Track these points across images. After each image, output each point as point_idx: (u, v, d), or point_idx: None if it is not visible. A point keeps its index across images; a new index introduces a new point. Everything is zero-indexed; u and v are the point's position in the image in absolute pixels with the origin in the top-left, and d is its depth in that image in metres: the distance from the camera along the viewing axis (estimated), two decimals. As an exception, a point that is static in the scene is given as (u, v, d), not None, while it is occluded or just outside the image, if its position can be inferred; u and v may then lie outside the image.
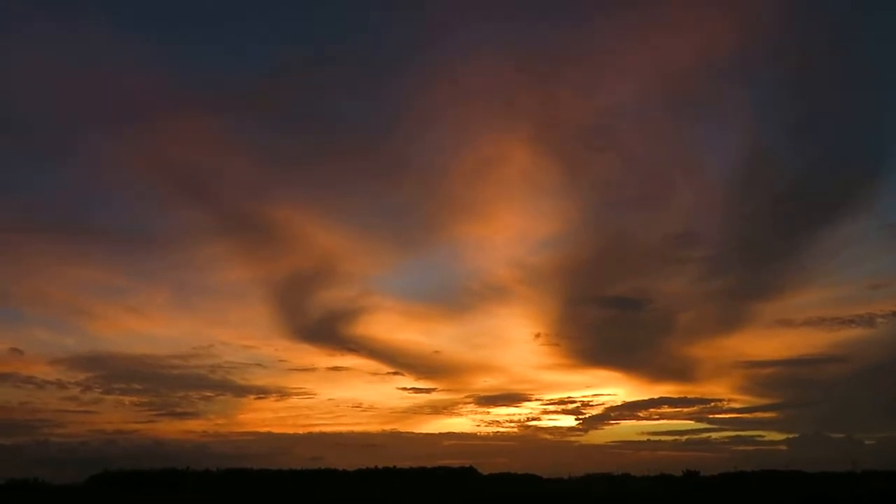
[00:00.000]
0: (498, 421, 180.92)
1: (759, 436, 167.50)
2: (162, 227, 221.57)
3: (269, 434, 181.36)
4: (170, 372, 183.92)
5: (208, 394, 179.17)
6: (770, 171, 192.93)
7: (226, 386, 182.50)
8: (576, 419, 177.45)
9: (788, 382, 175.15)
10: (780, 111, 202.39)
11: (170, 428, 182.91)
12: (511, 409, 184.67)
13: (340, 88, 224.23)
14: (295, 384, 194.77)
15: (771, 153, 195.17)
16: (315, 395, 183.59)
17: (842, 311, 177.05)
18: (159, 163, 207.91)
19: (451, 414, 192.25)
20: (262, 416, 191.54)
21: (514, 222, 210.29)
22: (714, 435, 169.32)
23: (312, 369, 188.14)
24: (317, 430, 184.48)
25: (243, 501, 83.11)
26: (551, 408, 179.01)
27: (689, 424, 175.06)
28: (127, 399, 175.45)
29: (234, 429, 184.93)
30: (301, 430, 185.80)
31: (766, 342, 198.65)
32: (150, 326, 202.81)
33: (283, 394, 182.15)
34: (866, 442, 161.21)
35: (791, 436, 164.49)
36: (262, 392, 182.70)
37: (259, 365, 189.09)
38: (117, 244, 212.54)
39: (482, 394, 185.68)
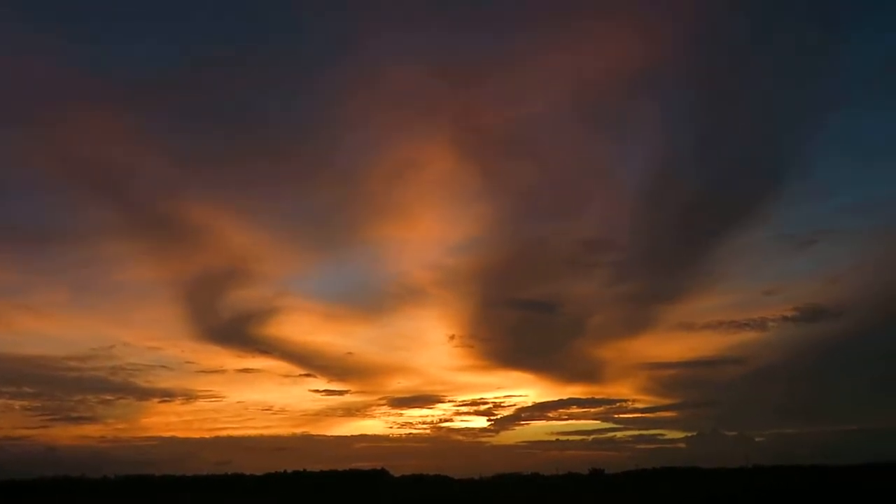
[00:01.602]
0: (411, 423, 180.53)
1: (661, 434, 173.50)
2: (66, 224, 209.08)
3: (174, 438, 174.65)
4: (66, 374, 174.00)
5: (108, 397, 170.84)
6: (677, 182, 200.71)
7: (127, 389, 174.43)
8: (487, 420, 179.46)
9: (688, 383, 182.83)
10: (687, 127, 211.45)
11: (64, 434, 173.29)
12: (424, 411, 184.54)
13: (261, 87, 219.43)
14: (202, 386, 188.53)
15: (678, 166, 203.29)
16: (223, 397, 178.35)
17: (738, 315, 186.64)
18: (66, 157, 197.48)
19: (364, 416, 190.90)
20: (167, 420, 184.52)
21: (431, 225, 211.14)
22: (619, 434, 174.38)
23: (221, 371, 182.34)
24: (224, 433, 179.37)
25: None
26: (464, 409, 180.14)
27: (596, 424, 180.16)
28: (17, 403, 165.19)
29: (136, 434, 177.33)
30: (208, 434, 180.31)
31: (669, 345, 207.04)
32: (46, 326, 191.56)
33: (189, 397, 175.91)
34: (756, 439, 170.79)
35: (690, 434, 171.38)
36: (166, 395, 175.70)
37: (164, 367, 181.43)
38: (15, 241, 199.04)
39: (396, 395, 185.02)
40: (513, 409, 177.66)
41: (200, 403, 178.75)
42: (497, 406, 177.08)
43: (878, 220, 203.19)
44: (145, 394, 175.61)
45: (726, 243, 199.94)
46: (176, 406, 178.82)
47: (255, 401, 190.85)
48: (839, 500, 53.56)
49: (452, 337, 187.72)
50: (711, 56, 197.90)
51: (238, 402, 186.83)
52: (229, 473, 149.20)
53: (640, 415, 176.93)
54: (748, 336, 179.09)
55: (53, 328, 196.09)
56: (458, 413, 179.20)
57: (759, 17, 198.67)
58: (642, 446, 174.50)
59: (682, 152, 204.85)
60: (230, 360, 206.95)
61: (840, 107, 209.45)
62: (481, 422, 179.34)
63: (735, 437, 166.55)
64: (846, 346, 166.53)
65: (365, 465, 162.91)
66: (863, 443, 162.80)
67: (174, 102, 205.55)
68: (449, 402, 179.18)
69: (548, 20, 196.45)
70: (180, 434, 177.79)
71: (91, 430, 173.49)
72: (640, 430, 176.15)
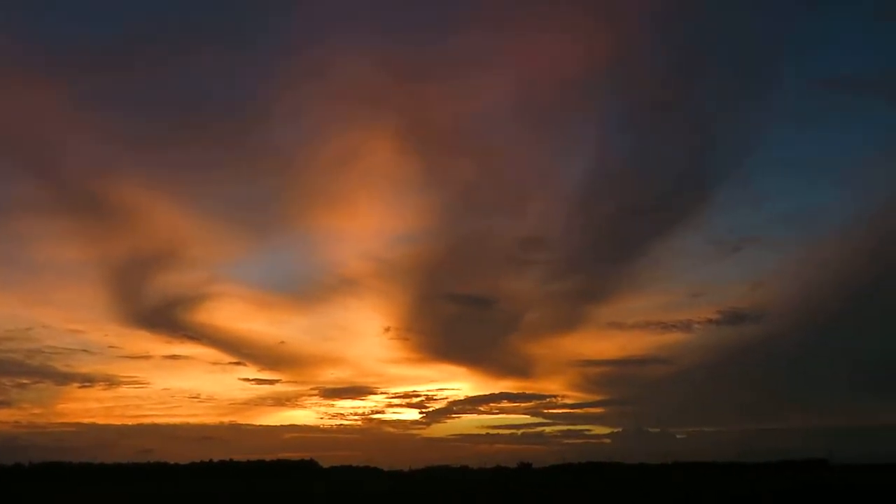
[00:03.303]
0: (342, 413, 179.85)
1: (588, 430, 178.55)
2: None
3: (94, 425, 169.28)
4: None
5: (24, 381, 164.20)
6: (612, 185, 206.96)
7: (45, 372, 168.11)
8: (419, 413, 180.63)
9: (616, 381, 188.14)
10: (626, 133, 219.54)
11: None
12: (356, 402, 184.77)
13: (204, 71, 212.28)
14: (126, 372, 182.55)
15: (615, 170, 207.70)
16: (148, 384, 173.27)
17: (666, 317, 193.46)
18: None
19: (295, 406, 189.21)
20: (87, 406, 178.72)
21: (370, 217, 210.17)
22: (547, 429, 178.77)
23: (147, 357, 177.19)
24: (148, 421, 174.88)
25: (57, 497, 76.80)
26: (396, 401, 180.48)
27: (526, 419, 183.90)
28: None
29: (53, 419, 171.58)
30: (130, 422, 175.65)
31: (599, 343, 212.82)
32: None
33: (111, 382, 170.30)
34: (678, 436, 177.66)
35: (615, 430, 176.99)
36: (87, 380, 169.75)
37: (86, 351, 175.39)
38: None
39: (327, 386, 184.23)
40: (445, 402, 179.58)
41: (123, 390, 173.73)
42: (429, 399, 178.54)
43: (802, 231, 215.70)
44: (64, 378, 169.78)
45: (658, 246, 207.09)
46: (97, 392, 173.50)
47: (182, 388, 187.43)
48: (756, 497, 56.16)
49: (388, 329, 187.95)
50: (651, 66, 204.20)
51: (164, 389, 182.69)
52: (152, 462, 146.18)
53: (568, 410, 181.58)
54: (674, 337, 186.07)
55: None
56: (390, 405, 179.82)
57: (699, 31, 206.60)
58: (570, 441, 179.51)
59: (619, 157, 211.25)
60: (157, 345, 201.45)
61: (775, 120, 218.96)
62: (413, 414, 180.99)
63: (658, 435, 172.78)
64: (764, 348, 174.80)
65: (294, 455, 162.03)
66: (779, 441, 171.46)
67: (110, 78, 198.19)
68: (381, 393, 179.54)
69: (494, 24, 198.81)
70: (101, 420, 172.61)
71: (4, 415, 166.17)
72: (568, 425, 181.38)
